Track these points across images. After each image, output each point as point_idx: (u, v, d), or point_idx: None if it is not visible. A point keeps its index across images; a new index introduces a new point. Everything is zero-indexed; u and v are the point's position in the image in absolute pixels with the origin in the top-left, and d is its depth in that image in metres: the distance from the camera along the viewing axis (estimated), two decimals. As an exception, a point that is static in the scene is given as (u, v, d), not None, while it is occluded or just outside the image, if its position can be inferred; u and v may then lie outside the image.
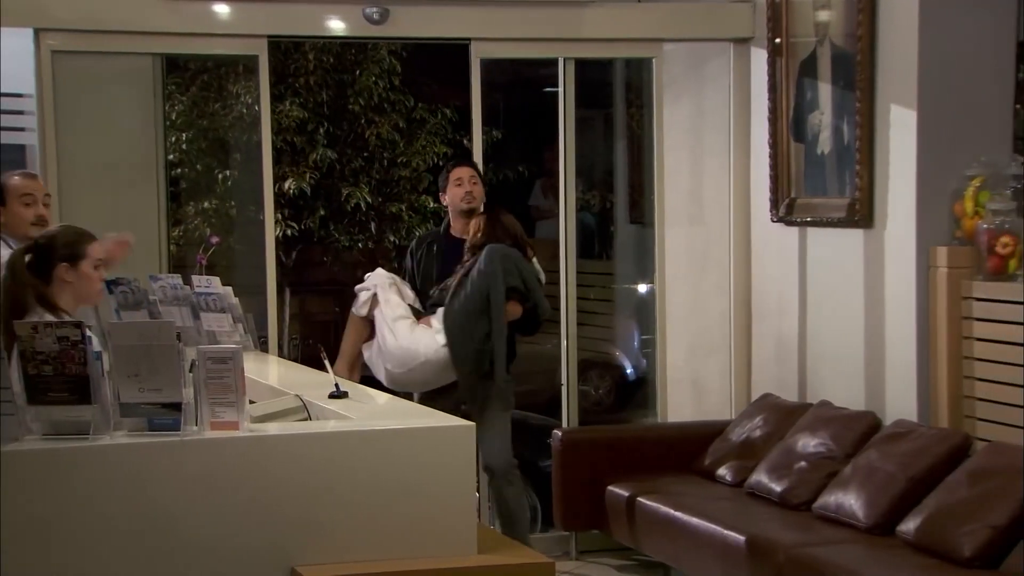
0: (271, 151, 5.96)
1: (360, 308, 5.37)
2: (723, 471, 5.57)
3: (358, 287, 5.44)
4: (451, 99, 9.35)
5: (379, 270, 5.46)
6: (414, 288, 5.42)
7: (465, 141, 9.47)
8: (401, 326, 5.22)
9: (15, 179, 4.74)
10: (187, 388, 3.26)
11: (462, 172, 5.44)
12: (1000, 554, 4.21)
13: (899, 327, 5.22)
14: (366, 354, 5.33)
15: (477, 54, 5.97)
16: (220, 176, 8.95)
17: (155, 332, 3.25)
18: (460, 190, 5.39)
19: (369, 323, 5.33)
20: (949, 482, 4.58)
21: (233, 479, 3.23)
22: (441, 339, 5.16)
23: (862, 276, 5.45)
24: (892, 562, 4.39)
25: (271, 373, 4.76)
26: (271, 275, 5.90)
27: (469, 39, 5.96)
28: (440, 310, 5.21)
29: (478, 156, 6.06)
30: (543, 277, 5.35)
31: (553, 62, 6.24)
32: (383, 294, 5.29)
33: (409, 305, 5.31)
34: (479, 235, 5.24)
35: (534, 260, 5.32)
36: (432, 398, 5.08)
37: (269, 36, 5.82)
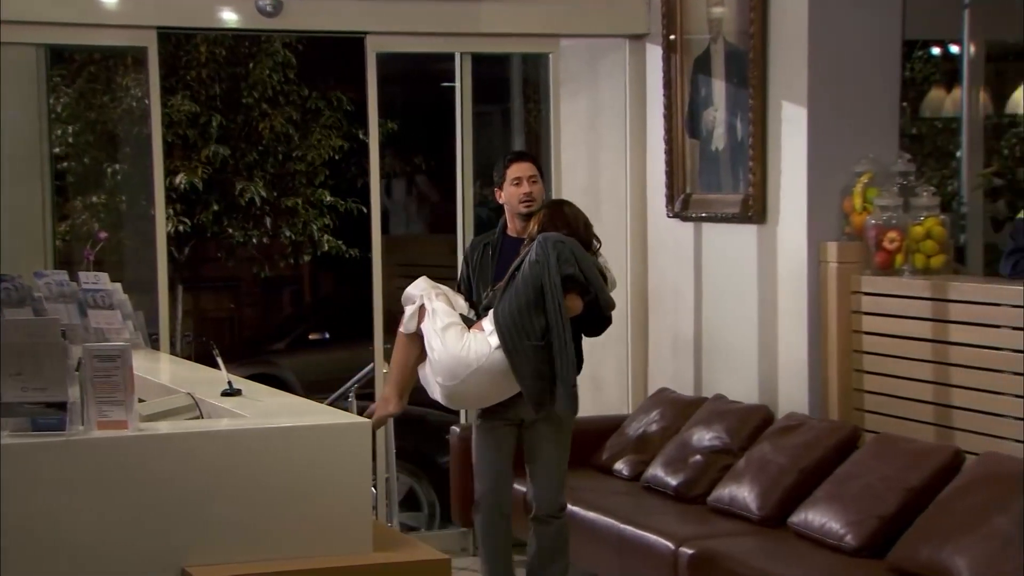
0: (162, 145, 5.84)
1: (408, 324, 4.63)
2: (620, 465, 5.61)
3: (404, 298, 4.74)
4: (347, 92, 9.28)
5: (422, 279, 4.75)
6: (468, 298, 4.76)
7: (361, 134, 9.41)
8: (451, 333, 4.52)
9: None
10: (73, 387, 3.18)
11: (521, 169, 4.80)
12: (887, 544, 4.31)
13: (791, 322, 5.31)
14: (421, 377, 4.67)
15: (373, 48, 5.92)
16: (109, 170, 8.76)
17: (39, 330, 3.17)
18: (518, 190, 4.75)
19: (419, 340, 4.62)
20: (838, 474, 4.67)
21: (121, 479, 3.16)
22: (494, 341, 4.46)
23: (756, 271, 5.53)
24: (783, 553, 4.46)
25: (162, 371, 4.66)
26: (162, 271, 5.79)
27: (365, 33, 5.91)
28: (491, 312, 4.56)
29: (374, 151, 6.01)
30: (610, 275, 4.70)
31: (450, 56, 6.22)
32: (430, 304, 4.60)
33: (461, 315, 4.63)
34: (536, 227, 4.63)
35: (603, 258, 4.71)
36: (493, 415, 4.62)
37: (159, 27, 5.70)
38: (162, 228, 5.83)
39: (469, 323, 4.59)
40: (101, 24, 5.61)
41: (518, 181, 4.77)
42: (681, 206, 5.92)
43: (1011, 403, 4.46)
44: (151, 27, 5.66)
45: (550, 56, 6.22)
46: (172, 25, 5.94)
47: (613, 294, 4.66)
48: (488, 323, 4.51)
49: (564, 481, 4.67)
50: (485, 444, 4.71)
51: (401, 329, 4.66)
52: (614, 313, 4.63)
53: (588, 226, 4.67)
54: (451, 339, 4.50)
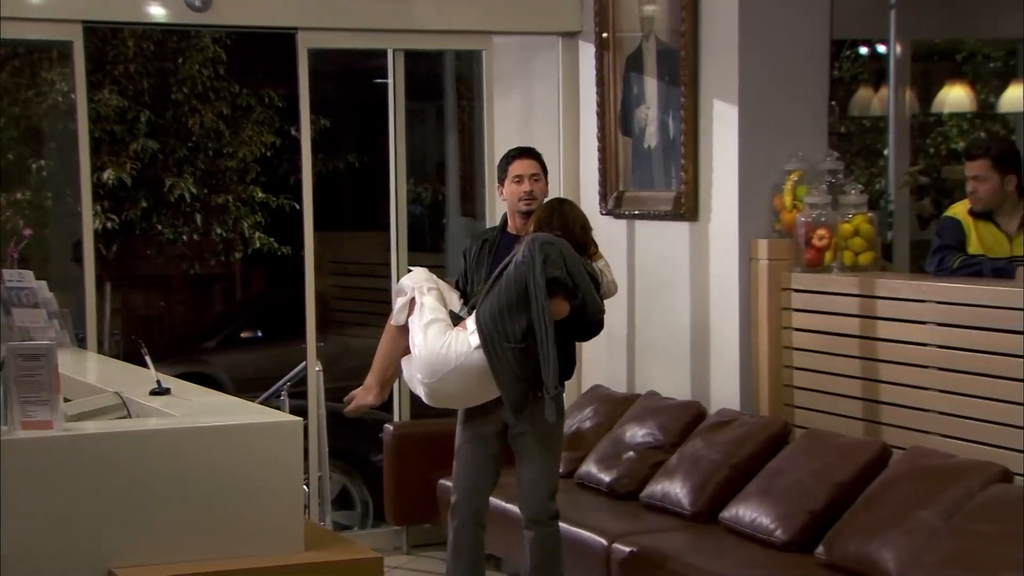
0: (88, 140, 5.75)
1: (397, 316, 4.56)
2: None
3: (396, 289, 4.69)
4: (278, 88, 9.21)
5: (417, 270, 4.65)
6: (464, 294, 4.66)
7: (293, 131, 9.33)
8: (434, 329, 4.42)
9: None
10: (-4, 386, 3.12)
11: (523, 167, 4.69)
12: (816, 538, 4.36)
13: (723, 318, 5.35)
14: (405, 371, 4.59)
15: (305, 44, 5.87)
16: (34, 166, 8.61)
17: (-40, 328, 3.10)
18: (519, 188, 4.66)
19: (406, 333, 4.53)
20: (769, 469, 4.72)
21: (46, 480, 3.11)
22: (475, 340, 4.35)
23: (688, 269, 5.57)
24: (715, 548, 4.50)
25: (89, 370, 4.59)
26: (89, 269, 5.69)
27: (296, 29, 5.86)
28: (475, 310, 4.46)
29: (306, 148, 5.97)
30: (607, 280, 4.59)
31: (384, 53, 6.19)
32: (419, 298, 4.49)
33: (451, 312, 4.53)
34: (533, 226, 4.53)
35: (601, 262, 4.59)
36: (477, 417, 4.53)
37: (84, 21, 5.61)
38: (89, 225, 5.74)
39: (460, 320, 4.48)
40: (25, 18, 5.50)
41: (519, 179, 4.67)
42: (614, 203, 5.94)
43: (936, 397, 4.54)
44: (76, 21, 5.57)
45: (483, 53, 6.22)
46: (98, 19, 5.84)
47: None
48: (471, 322, 4.41)
49: (554, 487, 4.53)
50: (466, 449, 4.59)
51: (391, 320, 4.59)
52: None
53: (585, 228, 4.56)
54: (432, 335, 4.41)
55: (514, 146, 4.88)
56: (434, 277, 4.62)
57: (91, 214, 5.78)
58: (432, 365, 4.39)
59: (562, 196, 4.85)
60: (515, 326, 4.30)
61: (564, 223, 4.50)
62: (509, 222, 4.72)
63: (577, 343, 4.67)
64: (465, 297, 4.64)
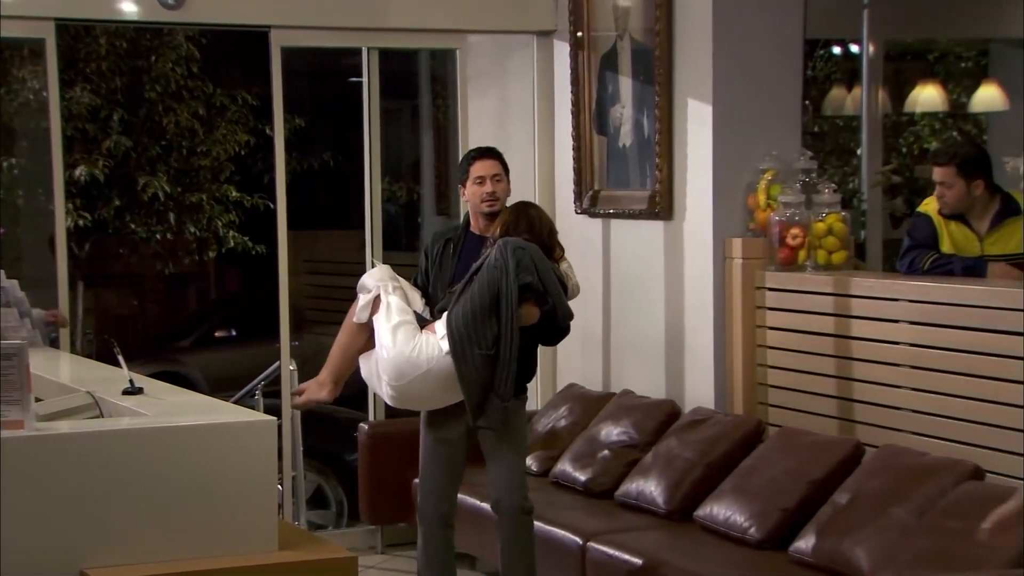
0: (61, 139, 5.71)
1: (360, 314, 4.48)
2: (529, 461, 5.62)
3: (359, 285, 4.58)
4: (252, 86, 9.18)
5: (380, 267, 4.62)
6: (425, 293, 4.63)
7: (268, 130, 9.30)
8: (402, 332, 4.37)
9: None
10: (-34, 386, 3.09)
11: (484, 167, 4.65)
12: (790, 535, 4.38)
13: (697, 317, 5.36)
14: (363, 368, 4.54)
15: (278, 42, 5.85)
16: (5, 164, 8.55)
17: (-70, 327, 3.08)
18: (480, 189, 4.61)
19: (367, 330, 4.48)
20: (743, 467, 4.73)
21: (17, 480, 3.09)
22: (445, 345, 4.31)
23: (663, 267, 5.58)
24: (689, 546, 4.51)
25: (61, 370, 4.56)
26: (62, 268, 5.65)
27: (269, 27, 5.84)
28: (445, 314, 4.41)
29: (280, 146, 5.94)
30: (571, 283, 4.57)
31: (358, 51, 6.17)
32: (385, 297, 4.44)
33: (415, 312, 4.48)
34: (499, 229, 4.48)
35: (565, 264, 4.59)
36: (442, 420, 4.51)
37: (56, 19, 5.57)
38: (61, 223, 5.71)
39: (424, 322, 4.45)
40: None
41: (480, 180, 4.62)
42: (589, 203, 5.95)
43: (909, 396, 4.56)
44: (49, 18, 5.53)
45: (456, 52, 6.21)
46: (70, 17, 5.81)
47: (575, 301, 4.56)
48: (441, 326, 4.37)
49: (525, 480, 4.53)
50: (431, 451, 4.57)
51: (352, 317, 4.52)
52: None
53: (552, 232, 4.54)
54: (402, 338, 4.36)
55: (480, 146, 4.84)
56: (396, 275, 4.57)
57: (64, 212, 5.74)
58: (401, 368, 4.35)
59: (528, 199, 4.81)
60: (486, 332, 4.29)
61: (531, 227, 4.48)
62: (472, 222, 4.68)
63: (541, 346, 4.65)
64: (427, 296, 4.61)
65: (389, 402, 4.52)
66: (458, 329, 4.31)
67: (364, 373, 4.53)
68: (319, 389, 4.56)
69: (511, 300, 4.28)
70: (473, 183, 4.64)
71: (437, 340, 4.35)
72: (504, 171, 4.68)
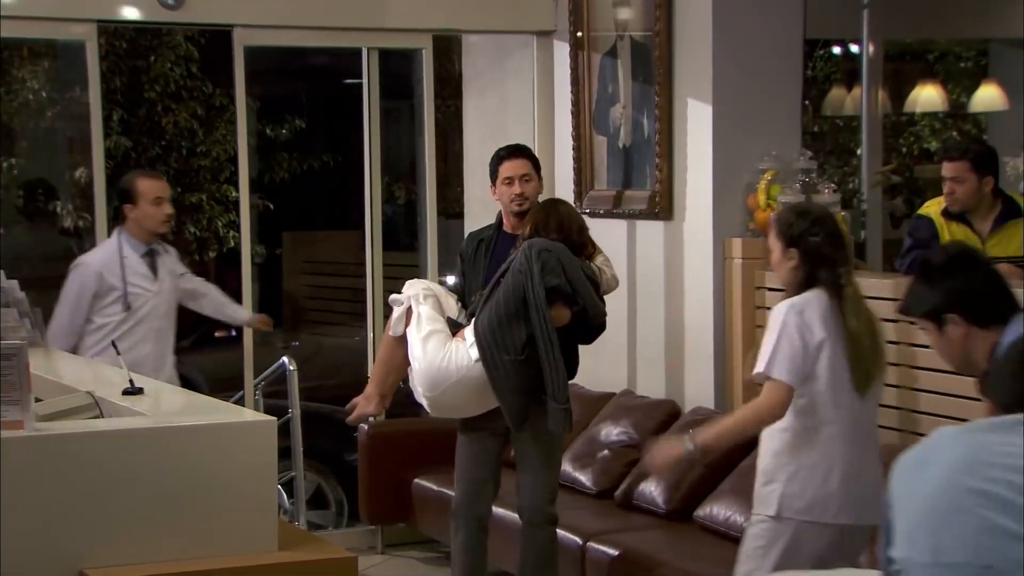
0: (102, 141, 5.75)
1: (395, 327, 4.45)
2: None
3: (392, 299, 4.57)
4: (252, 86, 9.17)
5: (414, 280, 4.56)
6: (461, 297, 4.56)
7: (268, 130, 9.31)
8: (433, 342, 4.32)
9: (145, 181, 5.23)
10: (-34, 386, 3.09)
11: (512, 168, 4.58)
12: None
13: (697, 317, 5.36)
14: (411, 377, 4.49)
15: (241, 42, 5.77)
16: (5, 164, 8.55)
17: (-70, 327, 3.07)
18: (509, 190, 4.56)
19: (403, 342, 4.44)
20: (743, 467, 4.72)
21: (17, 480, 3.08)
22: (475, 353, 4.25)
23: (662, 267, 5.58)
24: (689, 547, 4.51)
25: (62, 370, 4.55)
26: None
27: (232, 26, 5.76)
28: (474, 320, 4.35)
29: (243, 152, 5.89)
30: (606, 276, 4.51)
31: (358, 52, 6.16)
32: (416, 307, 4.39)
33: (449, 319, 4.42)
34: (528, 229, 4.41)
35: (601, 258, 4.52)
36: (477, 426, 4.46)
37: (99, 20, 5.54)
38: (102, 224, 5.74)
39: (458, 327, 4.39)
40: (36, 17, 5.40)
41: (509, 180, 4.56)
42: (589, 202, 5.95)
43: (908, 395, 4.56)
44: (91, 20, 5.49)
45: (423, 51, 6.13)
46: (112, 18, 5.81)
47: (613, 295, 4.54)
48: (470, 332, 4.31)
49: (552, 490, 4.48)
50: (466, 454, 4.54)
51: (388, 331, 4.51)
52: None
53: (583, 229, 4.48)
54: (432, 348, 4.32)
55: (510, 144, 4.80)
56: (431, 284, 4.56)
57: (105, 220, 5.75)
58: (433, 379, 4.32)
59: (556, 196, 4.76)
60: (514, 338, 4.22)
61: (560, 225, 4.41)
62: (504, 221, 4.63)
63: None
64: (463, 300, 4.55)
65: (429, 411, 4.50)
66: (485, 336, 4.25)
67: (411, 384, 4.50)
68: (367, 403, 4.58)
69: (540, 304, 4.20)
70: (502, 183, 4.59)
71: (467, 348, 4.30)
72: (535, 169, 4.63)
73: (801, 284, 3.63)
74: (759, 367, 3.57)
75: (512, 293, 4.25)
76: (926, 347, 4.49)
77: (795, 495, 3.55)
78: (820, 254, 3.62)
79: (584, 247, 4.48)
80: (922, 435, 4.49)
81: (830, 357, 3.53)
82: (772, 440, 3.63)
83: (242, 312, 5.65)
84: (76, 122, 8.61)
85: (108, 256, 5.17)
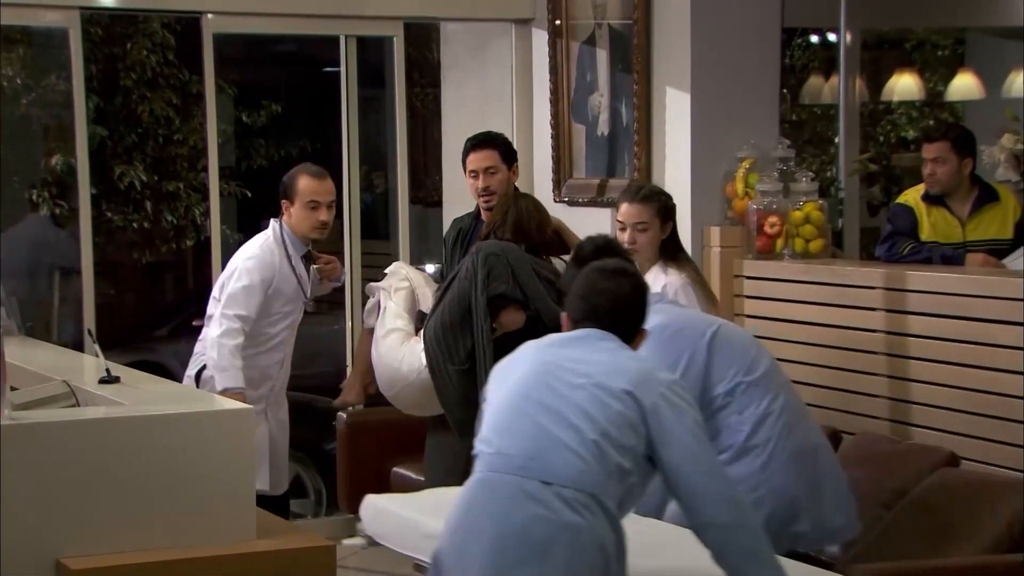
0: (86, 132, 5.63)
1: (367, 318, 4.39)
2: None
3: (368, 288, 4.49)
4: (229, 74, 9.13)
5: (394, 265, 4.43)
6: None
7: (244, 117, 9.26)
8: (388, 341, 4.24)
9: (305, 180, 4.60)
10: (-59, 375, 3.07)
11: (477, 160, 4.43)
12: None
13: (675, 305, 5.36)
14: None
15: (210, 30, 5.69)
16: (-21, 153, 8.49)
17: (-96, 316, 3.05)
18: (475, 183, 4.41)
19: None
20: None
21: (-7, 470, 3.06)
22: (425, 358, 4.18)
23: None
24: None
25: (37, 358, 4.53)
26: (87, 257, 5.59)
27: (200, 13, 5.70)
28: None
29: (212, 143, 5.83)
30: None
31: (335, 40, 6.14)
32: (385, 301, 4.29)
33: (421, 312, 4.29)
34: (485, 228, 4.29)
35: (564, 258, 4.27)
36: (441, 426, 4.31)
37: (81, 7, 5.45)
38: (87, 216, 5.59)
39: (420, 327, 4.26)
40: (21, 3, 5.34)
41: (475, 174, 4.41)
42: (568, 191, 5.95)
43: (885, 383, 4.58)
44: (74, 7, 5.41)
45: (394, 39, 6.09)
46: (96, 6, 5.71)
47: None
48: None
49: None
50: (432, 460, 4.47)
51: (364, 324, 4.46)
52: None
53: (543, 226, 4.29)
54: (387, 347, 4.25)
55: (478, 134, 4.69)
56: (411, 273, 4.43)
57: (88, 207, 5.66)
58: (389, 378, 4.30)
59: (520, 191, 4.62)
60: (459, 346, 4.11)
61: (517, 226, 4.26)
62: (482, 211, 4.54)
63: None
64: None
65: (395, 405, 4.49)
66: (431, 343, 4.15)
67: None
68: (348, 392, 4.63)
69: (479, 314, 4.07)
70: (469, 176, 4.48)
71: (419, 351, 4.23)
72: (503, 160, 4.48)
73: None
74: None
75: (457, 301, 4.12)
76: (917, 336, 4.52)
77: None
78: None
79: (548, 246, 4.30)
80: (911, 425, 4.52)
81: None
82: None
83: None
84: (52, 109, 8.55)
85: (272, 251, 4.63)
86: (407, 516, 3.40)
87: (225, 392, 4.21)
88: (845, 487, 3.71)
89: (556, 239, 4.38)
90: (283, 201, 4.66)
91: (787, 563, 2.87)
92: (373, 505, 3.55)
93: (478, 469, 2.76)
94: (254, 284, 4.49)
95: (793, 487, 3.55)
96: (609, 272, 2.91)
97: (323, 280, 4.78)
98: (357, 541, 3.65)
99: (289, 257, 4.60)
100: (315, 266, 4.71)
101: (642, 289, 2.93)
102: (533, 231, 4.26)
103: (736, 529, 2.70)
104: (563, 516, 2.61)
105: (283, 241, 4.60)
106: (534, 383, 2.75)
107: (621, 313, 2.86)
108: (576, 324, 2.87)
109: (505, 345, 4.03)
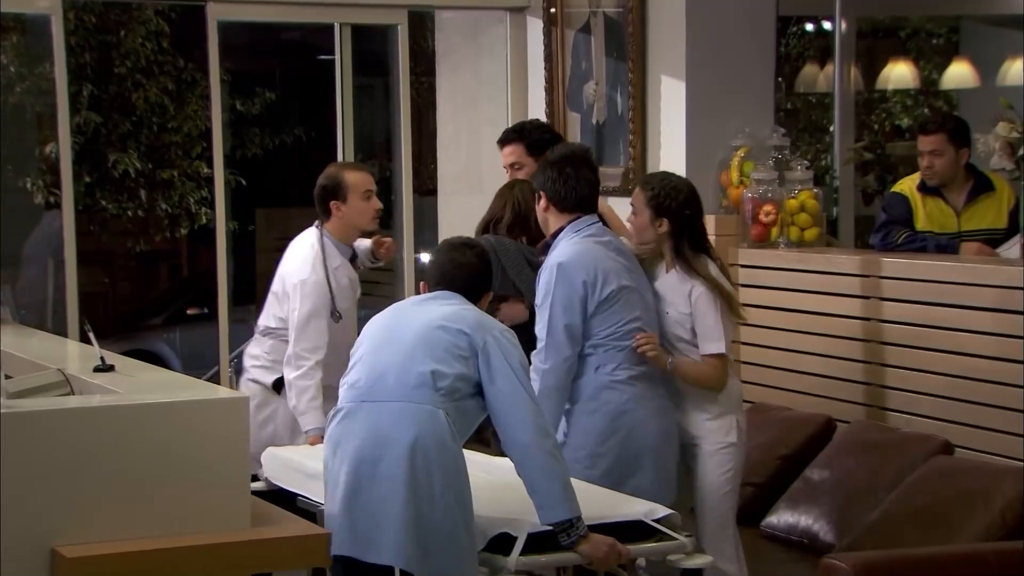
0: (69, 119, 5.61)
1: None
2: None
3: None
4: (224, 61, 9.12)
5: None
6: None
7: (239, 104, 9.24)
8: None
9: (351, 174, 4.54)
10: (-65, 364, 3.07)
11: (503, 157, 4.44)
12: (762, 511, 4.40)
13: (670, 293, 5.36)
14: None
15: (214, 16, 5.71)
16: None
17: (-102, 304, 3.05)
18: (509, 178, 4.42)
19: None
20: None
21: (-13, 459, 3.06)
22: None
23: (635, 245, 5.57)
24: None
25: (32, 347, 4.52)
26: (70, 249, 5.55)
27: (205, 0, 5.73)
28: None
29: (217, 130, 5.82)
30: None
31: (330, 28, 6.12)
32: None
33: None
34: (479, 225, 4.30)
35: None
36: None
37: None
38: (70, 206, 5.53)
39: None
40: None
41: (507, 169, 4.43)
42: (562, 179, 5.93)
43: (880, 371, 4.59)
44: None
45: (399, 28, 6.09)
46: None
47: None
48: None
49: None
50: None
51: None
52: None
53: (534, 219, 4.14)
54: None
55: (508, 127, 4.64)
56: None
57: (72, 196, 5.62)
58: None
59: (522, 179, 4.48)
60: None
61: (516, 215, 4.25)
62: None
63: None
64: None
65: None
66: None
67: None
68: None
69: None
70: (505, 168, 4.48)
71: None
72: (529, 152, 4.43)
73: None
74: (717, 349, 3.89)
75: None
76: (912, 324, 4.53)
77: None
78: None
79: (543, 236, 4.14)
80: (904, 413, 4.52)
81: None
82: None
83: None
84: (45, 97, 8.52)
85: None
86: (294, 459, 3.88)
87: (308, 433, 4.29)
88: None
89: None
90: (331, 203, 4.50)
91: (579, 485, 3.38)
92: (271, 453, 4.00)
93: (340, 403, 3.41)
94: (317, 309, 4.41)
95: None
96: (457, 245, 3.55)
97: (367, 262, 4.70)
98: (258, 485, 3.73)
99: (327, 270, 4.47)
100: (368, 246, 4.64)
101: (485, 259, 3.54)
102: (533, 223, 4.20)
103: (534, 448, 3.27)
104: (403, 426, 3.25)
105: (323, 254, 4.49)
106: (387, 326, 3.44)
107: (466, 278, 3.47)
108: (431, 289, 3.49)
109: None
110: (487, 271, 3.54)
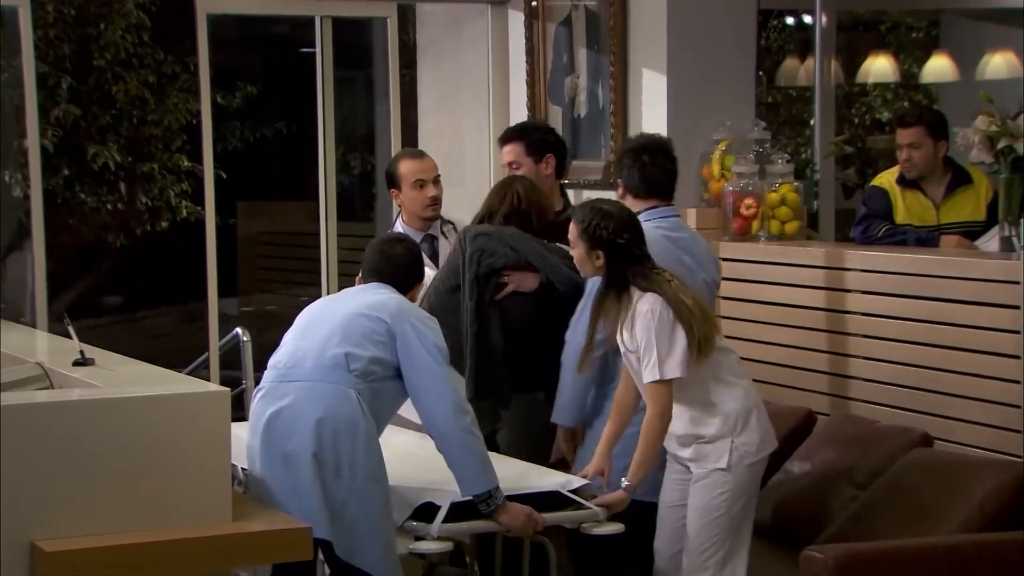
0: (37, 112, 5.62)
1: None
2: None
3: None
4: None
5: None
6: None
7: (219, 98, 9.20)
8: None
9: (406, 163, 4.57)
10: (-87, 358, 3.05)
11: (505, 154, 4.45)
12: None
13: (651, 287, 5.37)
14: None
15: (204, 9, 5.70)
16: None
17: None
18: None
19: None
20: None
21: (-34, 453, 3.05)
22: None
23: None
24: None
25: (10, 341, 4.50)
26: (39, 242, 5.53)
27: None
28: None
29: (207, 123, 5.80)
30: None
31: (311, 20, 6.10)
32: None
33: None
34: (479, 213, 4.25)
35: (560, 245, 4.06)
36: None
37: None
38: (38, 198, 5.56)
39: None
40: None
41: (506, 167, 4.45)
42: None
43: (860, 364, 4.61)
44: None
45: (387, 21, 6.08)
46: None
47: None
48: None
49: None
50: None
51: None
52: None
53: (543, 212, 4.20)
54: None
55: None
56: (428, 271, 4.24)
57: (40, 188, 5.62)
58: None
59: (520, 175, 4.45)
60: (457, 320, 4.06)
61: (516, 209, 4.16)
62: None
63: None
64: None
65: None
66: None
67: None
68: None
69: (468, 291, 4.07)
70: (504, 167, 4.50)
71: None
72: (528, 152, 4.42)
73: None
74: (655, 376, 3.59)
75: (443, 282, 4.17)
76: (893, 318, 4.55)
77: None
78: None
79: (551, 230, 4.15)
80: (885, 406, 4.54)
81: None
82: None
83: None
84: (23, 90, 8.47)
85: None
86: (240, 435, 3.86)
87: None
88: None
89: (560, 223, 4.15)
90: (391, 192, 4.65)
91: (498, 458, 3.61)
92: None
93: (262, 383, 3.62)
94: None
95: None
96: (388, 241, 3.82)
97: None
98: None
99: None
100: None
101: (415, 252, 3.77)
102: (534, 218, 4.18)
103: (451, 426, 3.46)
104: (313, 405, 3.46)
105: None
106: (315, 314, 3.67)
107: (396, 270, 3.69)
108: (365, 282, 3.71)
109: (515, 315, 4.11)
110: (416, 264, 3.76)
